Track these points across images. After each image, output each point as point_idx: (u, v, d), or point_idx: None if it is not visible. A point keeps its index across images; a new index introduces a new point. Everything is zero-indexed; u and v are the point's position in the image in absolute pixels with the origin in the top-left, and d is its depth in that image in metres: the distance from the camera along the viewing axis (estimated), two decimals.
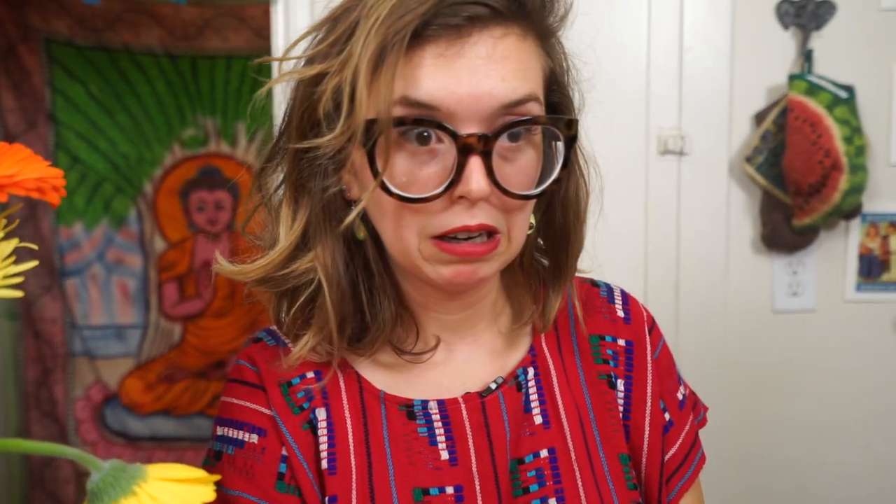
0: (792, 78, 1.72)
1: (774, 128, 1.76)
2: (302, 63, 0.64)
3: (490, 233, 0.61)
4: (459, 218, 0.60)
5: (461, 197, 0.59)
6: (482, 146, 0.58)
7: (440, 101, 0.58)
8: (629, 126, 1.75)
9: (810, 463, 1.85)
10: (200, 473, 0.43)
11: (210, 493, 0.42)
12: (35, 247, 0.43)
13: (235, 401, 0.71)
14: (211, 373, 2.52)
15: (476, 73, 0.58)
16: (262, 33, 2.25)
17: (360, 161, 0.61)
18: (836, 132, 1.70)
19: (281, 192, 0.67)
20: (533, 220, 0.68)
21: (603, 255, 1.69)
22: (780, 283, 1.82)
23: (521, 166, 0.62)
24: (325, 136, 0.60)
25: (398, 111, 0.58)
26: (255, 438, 0.68)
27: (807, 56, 1.74)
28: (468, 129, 0.58)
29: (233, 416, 0.70)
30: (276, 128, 0.68)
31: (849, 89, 1.72)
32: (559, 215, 0.71)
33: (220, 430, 0.71)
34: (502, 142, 0.60)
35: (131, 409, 2.49)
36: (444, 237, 0.61)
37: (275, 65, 1.15)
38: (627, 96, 1.75)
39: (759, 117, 1.77)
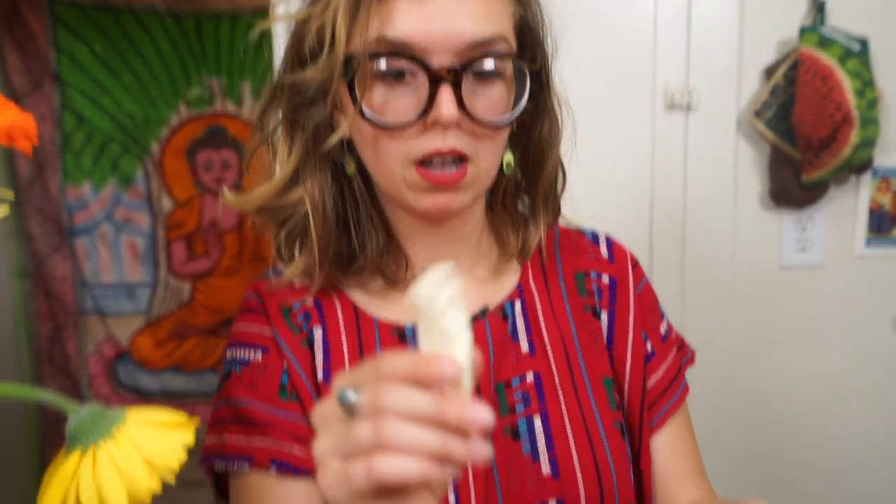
0: (803, 31, 1.68)
1: (784, 81, 1.72)
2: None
3: (461, 160, 0.68)
4: (433, 142, 0.66)
5: (435, 124, 0.65)
6: (452, 77, 0.64)
7: (413, 38, 0.64)
8: (635, 80, 1.72)
9: (817, 418, 1.86)
10: (181, 418, 0.43)
11: (190, 437, 0.42)
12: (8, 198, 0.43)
13: (242, 326, 0.78)
14: (220, 330, 2.54)
15: (446, 13, 0.64)
16: None
17: (344, 95, 0.68)
18: (848, 85, 1.67)
19: (279, 132, 0.75)
20: (511, 160, 0.75)
21: (609, 211, 1.68)
22: (788, 238, 1.81)
23: (490, 99, 0.68)
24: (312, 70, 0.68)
25: (374, 48, 0.64)
26: (258, 356, 0.75)
27: (819, 8, 1.70)
28: (439, 62, 0.64)
29: (240, 340, 0.78)
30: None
31: (862, 42, 1.68)
32: (534, 151, 0.77)
33: (228, 354, 0.78)
34: (472, 76, 0.66)
35: (142, 365, 2.52)
36: (422, 163, 0.67)
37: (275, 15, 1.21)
38: (634, 50, 1.72)
39: (769, 71, 1.74)
